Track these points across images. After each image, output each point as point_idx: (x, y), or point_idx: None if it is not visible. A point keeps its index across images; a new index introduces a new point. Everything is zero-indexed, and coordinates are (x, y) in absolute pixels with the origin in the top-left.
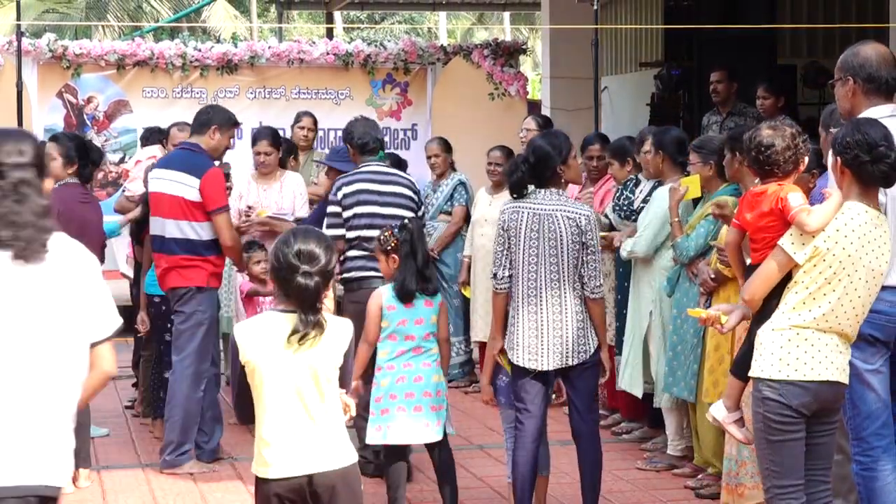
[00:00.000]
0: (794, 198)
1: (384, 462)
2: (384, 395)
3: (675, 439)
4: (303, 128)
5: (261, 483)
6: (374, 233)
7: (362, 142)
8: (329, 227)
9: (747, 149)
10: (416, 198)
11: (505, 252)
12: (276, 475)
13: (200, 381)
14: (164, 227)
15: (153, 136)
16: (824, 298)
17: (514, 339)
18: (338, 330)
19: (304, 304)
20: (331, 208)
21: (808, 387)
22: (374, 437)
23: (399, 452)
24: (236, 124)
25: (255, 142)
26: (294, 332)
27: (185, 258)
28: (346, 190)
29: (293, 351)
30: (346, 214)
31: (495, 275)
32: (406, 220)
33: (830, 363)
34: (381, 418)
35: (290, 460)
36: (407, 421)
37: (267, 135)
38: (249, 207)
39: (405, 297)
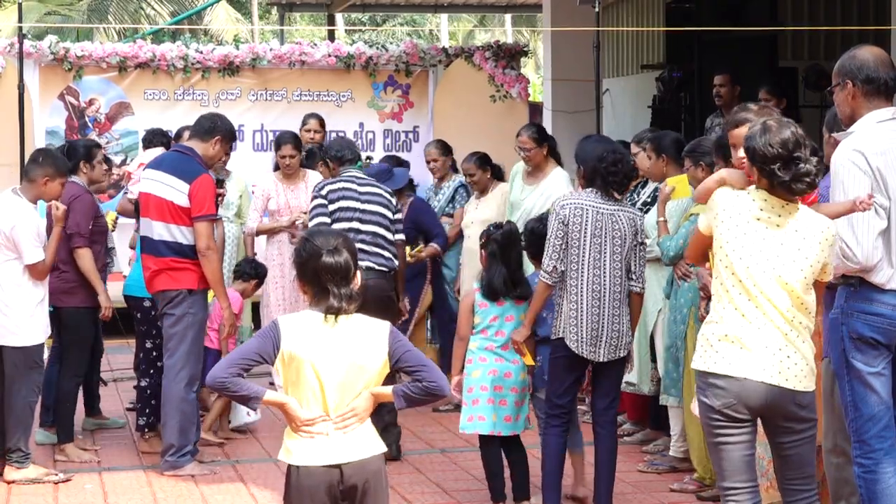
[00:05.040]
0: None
1: (481, 451)
2: (475, 385)
3: (678, 440)
4: (309, 130)
5: (292, 471)
6: (367, 227)
7: (340, 154)
8: (315, 216)
9: None
10: (388, 196)
11: (562, 245)
12: (306, 462)
13: (193, 383)
14: (152, 228)
15: (155, 138)
16: (734, 288)
17: (576, 332)
18: (372, 327)
19: (336, 278)
20: (315, 201)
21: (726, 386)
22: (466, 425)
23: (492, 443)
24: (235, 139)
25: (278, 146)
26: (328, 309)
27: (175, 260)
28: (330, 187)
29: (330, 339)
30: (331, 207)
31: (554, 267)
32: (502, 223)
33: (764, 362)
34: (473, 408)
35: (321, 451)
36: (494, 413)
37: (290, 139)
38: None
39: (491, 295)
